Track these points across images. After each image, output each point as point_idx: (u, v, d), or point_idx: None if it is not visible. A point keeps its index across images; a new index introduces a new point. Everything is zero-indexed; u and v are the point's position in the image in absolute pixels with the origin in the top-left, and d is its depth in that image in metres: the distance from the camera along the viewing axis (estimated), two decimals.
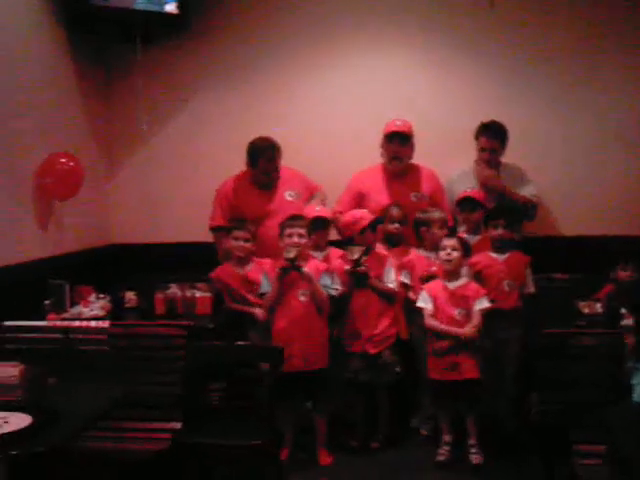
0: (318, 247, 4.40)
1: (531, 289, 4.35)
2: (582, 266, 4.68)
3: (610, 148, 5.10)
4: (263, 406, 3.64)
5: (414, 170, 4.82)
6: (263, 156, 4.70)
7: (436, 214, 4.46)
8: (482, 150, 4.82)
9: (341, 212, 4.69)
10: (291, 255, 4.07)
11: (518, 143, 4.92)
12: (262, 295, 4.20)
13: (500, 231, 4.32)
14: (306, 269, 4.11)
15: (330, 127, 5.28)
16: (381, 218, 4.50)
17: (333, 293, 4.19)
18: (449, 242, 4.14)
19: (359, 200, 4.75)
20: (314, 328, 4.14)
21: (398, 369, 4.28)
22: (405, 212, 4.54)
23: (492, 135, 4.79)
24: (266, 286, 4.16)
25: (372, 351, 4.23)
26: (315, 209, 4.50)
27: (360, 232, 4.32)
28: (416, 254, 4.48)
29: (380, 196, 4.72)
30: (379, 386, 4.32)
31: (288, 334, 4.08)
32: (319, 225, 4.38)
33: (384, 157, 4.79)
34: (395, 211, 4.53)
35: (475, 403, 4.12)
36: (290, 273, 4.10)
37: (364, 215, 4.38)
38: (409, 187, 4.76)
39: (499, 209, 4.47)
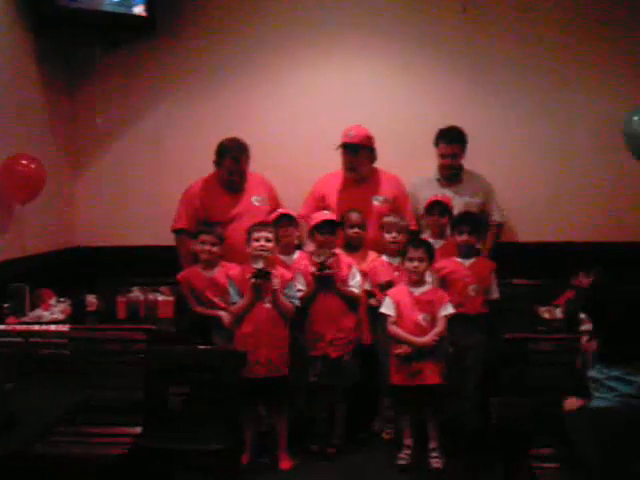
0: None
1: (495, 295, 4.37)
2: (544, 272, 4.73)
3: (574, 155, 5.15)
4: (225, 411, 3.62)
5: (375, 174, 4.82)
6: (229, 155, 4.68)
7: (399, 220, 4.51)
8: (442, 157, 4.84)
9: (304, 215, 4.71)
10: (260, 265, 4.06)
11: (482, 148, 4.98)
12: (233, 304, 4.17)
13: (465, 237, 4.35)
14: (275, 281, 4.10)
15: (297, 130, 5.29)
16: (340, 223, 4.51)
17: (297, 304, 4.19)
18: (416, 253, 4.13)
19: (322, 204, 4.76)
20: (278, 335, 4.13)
21: (356, 373, 4.28)
22: (364, 217, 4.55)
23: (451, 140, 4.81)
24: (235, 296, 4.15)
25: (333, 355, 4.23)
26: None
27: (313, 230, 4.38)
28: (379, 260, 4.49)
29: (341, 200, 4.73)
30: (339, 390, 4.32)
31: (253, 340, 4.07)
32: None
33: (343, 165, 4.80)
34: (354, 216, 4.54)
35: (438, 408, 4.14)
36: (260, 283, 4.09)
37: (322, 215, 4.44)
38: (371, 191, 4.76)
39: (465, 216, 4.50)
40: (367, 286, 4.41)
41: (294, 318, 4.20)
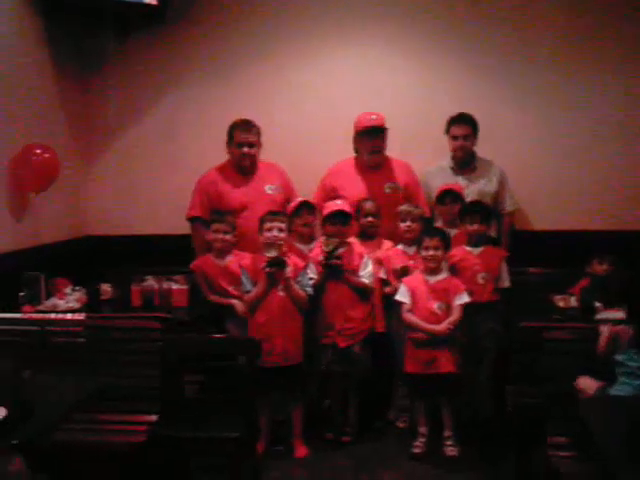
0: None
1: (506, 283, 4.35)
2: (559, 261, 4.70)
3: (589, 144, 5.12)
4: (240, 399, 3.62)
5: (387, 162, 4.82)
6: (238, 129, 4.67)
7: (414, 208, 4.48)
8: (454, 139, 4.83)
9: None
10: (273, 254, 4.05)
11: (496, 135, 4.99)
12: (247, 292, 4.17)
13: (476, 227, 4.34)
14: (288, 269, 4.11)
15: (310, 118, 5.29)
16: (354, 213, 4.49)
17: (310, 292, 4.19)
18: (431, 242, 4.13)
19: (333, 196, 4.72)
20: (292, 324, 4.14)
21: (368, 363, 4.28)
22: (378, 205, 4.53)
23: (462, 121, 4.81)
24: (247, 285, 4.15)
25: (342, 344, 4.23)
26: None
27: (325, 221, 4.37)
28: (394, 249, 4.49)
29: (353, 189, 4.71)
30: (350, 379, 4.31)
31: (267, 329, 4.08)
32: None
33: (360, 151, 4.80)
34: (368, 205, 4.51)
35: (452, 397, 4.14)
36: (275, 271, 4.08)
37: (333, 205, 4.41)
38: (383, 178, 4.75)
39: (474, 205, 4.48)
40: (382, 274, 4.40)
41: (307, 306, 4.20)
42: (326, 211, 4.40)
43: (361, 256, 4.34)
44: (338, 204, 4.42)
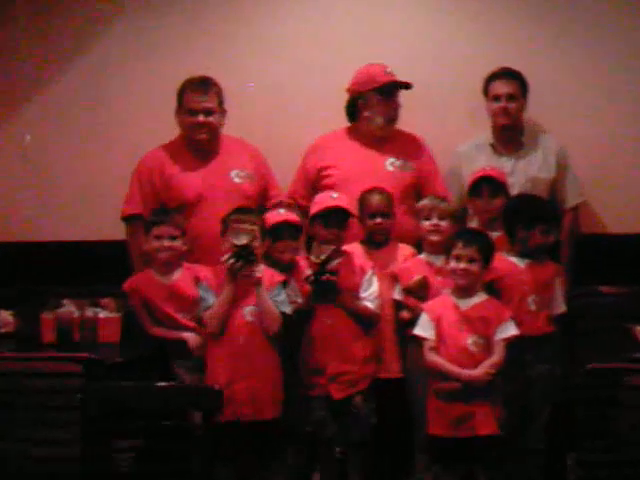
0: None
1: (561, 307, 4.36)
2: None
3: None
4: (194, 471, 3.57)
5: (393, 133, 4.86)
6: (189, 89, 4.69)
7: (440, 201, 4.47)
8: (495, 99, 4.83)
9: (295, 197, 4.82)
10: (243, 241, 4.03)
11: (551, 106, 5.02)
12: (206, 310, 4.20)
13: (539, 238, 4.30)
14: (259, 268, 4.10)
15: (298, 83, 5.28)
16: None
17: (286, 310, 4.16)
18: (466, 250, 4.07)
19: (318, 178, 4.79)
20: (265, 360, 4.14)
21: (373, 420, 4.25)
22: (390, 198, 4.50)
23: (506, 77, 4.84)
24: (210, 298, 4.17)
25: (337, 396, 4.20)
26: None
27: (313, 221, 4.37)
28: (415, 259, 4.48)
29: (343, 167, 4.75)
30: (349, 445, 4.29)
31: (230, 368, 4.08)
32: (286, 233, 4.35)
33: (365, 118, 4.78)
34: (376, 199, 4.48)
35: (492, 467, 4.07)
36: (242, 267, 4.06)
37: (325, 200, 4.40)
38: (384, 152, 4.79)
39: (537, 206, 4.44)
40: (397, 294, 4.37)
41: (284, 342, 4.19)
42: (316, 208, 4.39)
43: (363, 270, 4.33)
44: (333, 198, 4.40)
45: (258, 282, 4.08)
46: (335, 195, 4.42)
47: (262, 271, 4.09)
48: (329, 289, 4.19)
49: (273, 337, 4.13)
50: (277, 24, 5.30)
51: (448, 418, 3.98)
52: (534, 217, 4.31)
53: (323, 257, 4.15)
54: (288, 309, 4.17)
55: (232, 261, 4.04)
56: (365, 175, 4.61)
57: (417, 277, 4.30)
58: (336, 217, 4.32)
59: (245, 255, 4.02)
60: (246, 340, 4.09)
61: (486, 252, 4.11)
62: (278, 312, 4.13)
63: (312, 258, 4.20)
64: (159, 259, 4.38)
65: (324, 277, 4.15)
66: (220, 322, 4.10)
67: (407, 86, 4.71)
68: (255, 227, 4.14)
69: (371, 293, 4.29)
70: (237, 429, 3.98)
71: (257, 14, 5.30)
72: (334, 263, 4.18)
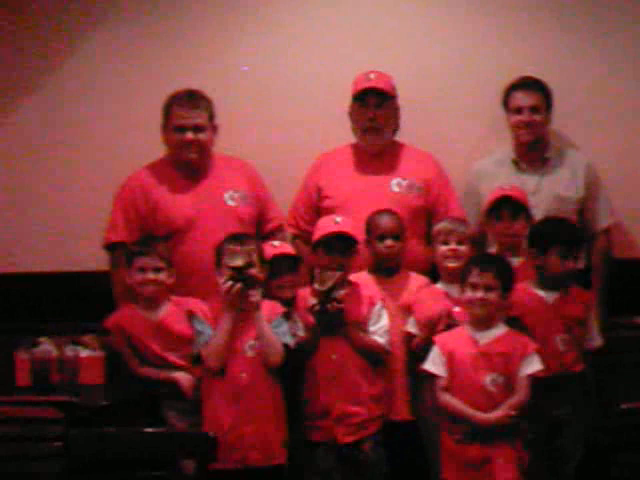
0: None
1: (597, 342, 4.39)
2: None
3: None
4: None
5: (397, 149, 4.94)
6: (177, 103, 4.73)
7: (459, 225, 4.51)
8: (517, 111, 4.86)
9: (297, 221, 4.90)
10: (239, 262, 4.08)
11: (578, 118, 5.08)
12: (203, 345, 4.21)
13: (556, 264, 4.31)
14: (258, 293, 4.15)
15: (294, 91, 5.36)
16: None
17: (288, 342, 4.20)
18: (482, 278, 4.07)
19: (318, 198, 4.88)
20: (270, 398, 4.18)
21: (384, 470, 4.26)
22: (400, 220, 4.54)
23: (529, 88, 4.88)
24: (206, 331, 4.20)
25: (345, 440, 4.22)
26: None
27: (317, 247, 4.39)
28: (431, 289, 4.52)
29: (343, 187, 4.83)
30: None
31: (234, 409, 4.11)
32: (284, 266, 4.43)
33: (355, 130, 4.87)
34: (385, 221, 4.53)
35: None
36: (240, 291, 4.09)
37: (329, 224, 4.43)
38: (389, 171, 4.86)
39: (557, 229, 4.44)
40: (410, 326, 4.42)
41: (285, 379, 4.23)
42: (318, 234, 4.42)
43: (372, 302, 4.37)
44: (337, 223, 4.42)
45: (257, 307, 4.13)
46: (339, 219, 4.42)
47: (260, 295, 4.13)
48: (335, 319, 4.23)
49: (276, 373, 4.16)
50: (276, 27, 5.37)
51: (464, 463, 3.98)
52: (550, 240, 4.31)
53: (329, 284, 4.17)
54: (289, 339, 4.20)
55: (229, 284, 4.07)
56: (368, 197, 4.67)
57: (442, 309, 4.32)
58: (341, 243, 4.33)
59: (243, 277, 4.05)
60: (249, 378, 4.11)
61: (505, 279, 4.09)
62: (280, 342, 4.16)
63: (316, 286, 4.22)
64: (143, 294, 4.41)
65: (329, 306, 4.19)
66: (221, 356, 4.11)
67: (382, 94, 4.76)
68: (252, 250, 4.17)
69: (380, 327, 4.31)
70: (241, 478, 4.03)
71: (255, 18, 5.37)
72: (341, 292, 4.21)
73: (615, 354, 4.42)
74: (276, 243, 4.56)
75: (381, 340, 4.32)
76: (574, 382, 4.29)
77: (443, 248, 4.45)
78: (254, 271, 4.11)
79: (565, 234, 4.36)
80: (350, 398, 4.24)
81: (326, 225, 4.43)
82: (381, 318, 4.36)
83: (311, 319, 4.28)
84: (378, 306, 4.37)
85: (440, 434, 4.13)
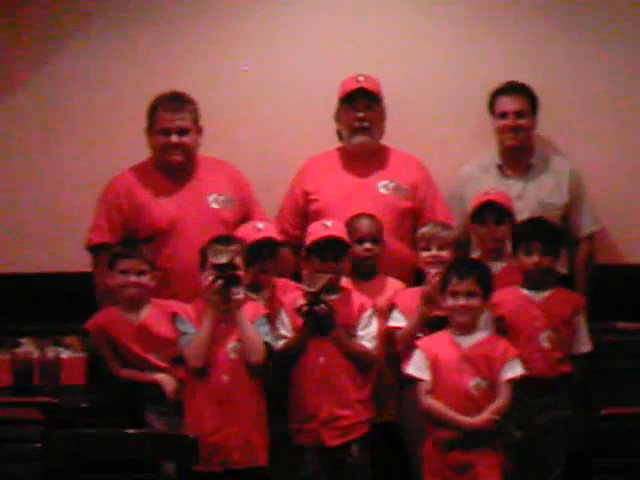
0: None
1: (585, 347, 4.39)
2: None
3: None
4: None
5: (384, 152, 4.96)
6: (162, 106, 4.73)
7: (442, 229, 4.51)
8: (501, 116, 4.89)
9: (284, 225, 4.87)
10: (223, 260, 4.06)
11: (564, 125, 5.12)
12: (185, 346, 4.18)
13: (535, 258, 4.32)
14: (241, 291, 4.13)
15: (279, 95, 5.37)
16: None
17: (271, 343, 4.20)
18: (462, 285, 4.08)
19: (306, 203, 4.89)
20: (253, 401, 4.17)
21: (369, 473, 4.26)
22: (379, 224, 4.56)
23: (514, 92, 4.91)
24: (188, 330, 4.17)
25: (332, 443, 4.20)
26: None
27: (309, 253, 4.36)
28: (411, 290, 4.53)
29: (330, 190, 4.84)
30: None
31: (216, 411, 4.10)
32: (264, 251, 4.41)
33: (342, 133, 4.88)
34: (364, 224, 4.54)
35: None
36: (223, 287, 4.06)
37: (319, 229, 4.40)
38: (375, 174, 4.87)
39: (534, 224, 4.50)
40: (393, 321, 4.42)
41: (268, 382, 4.23)
42: (310, 239, 4.39)
43: (362, 308, 4.35)
44: (327, 227, 4.39)
45: (238, 306, 4.11)
46: (329, 224, 4.40)
47: (242, 294, 4.11)
48: (323, 321, 4.20)
49: (257, 374, 4.14)
50: (261, 29, 5.36)
51: (446, 469, 3.96)
52: (528, 235, 4.35)
53: (319, 285, 4.15)
54: (270, 339, 4.18)
55: (211, 279, 4.05)
56: (355, 199, 4.68)
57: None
58: (332, 248, 4.32)
59: (226, 274, 4.04)
60: (231, 380, 4.10)
61: (485, 283, 4.12)
62: (261, 341, 4.14)
63: (305, 288, 4.23)
64: (125, 296, 4.42)
65: (318, 308, 4.17)
66: (204, 355, 4.08)
67: (370, 95, 4.77)
68: (237, 251, 4.15)
69: (369, 332, 4.29)
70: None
71: (240, 22, 5.36)
72: (331, 297, 4.22)
73: (598, 359, 4.40)
74: (260, 225, 4.52)
75: (368, 345, 4.30)
76: (560, 385, 4.29)
77: (424, 254, 4.47)
78: (238, 268, 4.09)
79: (546, 231, 4.39)
80: (338, 401, 4.22)
81: (317, 230, 4.41)
82: (371, 324, 4.34)
83: (297, 322, 4.26)
84: (369, 312, 4.36)
85: (423, 442, 4.11)
